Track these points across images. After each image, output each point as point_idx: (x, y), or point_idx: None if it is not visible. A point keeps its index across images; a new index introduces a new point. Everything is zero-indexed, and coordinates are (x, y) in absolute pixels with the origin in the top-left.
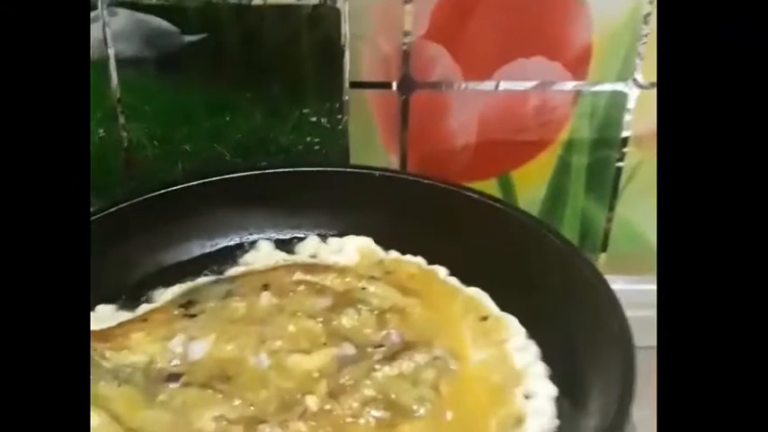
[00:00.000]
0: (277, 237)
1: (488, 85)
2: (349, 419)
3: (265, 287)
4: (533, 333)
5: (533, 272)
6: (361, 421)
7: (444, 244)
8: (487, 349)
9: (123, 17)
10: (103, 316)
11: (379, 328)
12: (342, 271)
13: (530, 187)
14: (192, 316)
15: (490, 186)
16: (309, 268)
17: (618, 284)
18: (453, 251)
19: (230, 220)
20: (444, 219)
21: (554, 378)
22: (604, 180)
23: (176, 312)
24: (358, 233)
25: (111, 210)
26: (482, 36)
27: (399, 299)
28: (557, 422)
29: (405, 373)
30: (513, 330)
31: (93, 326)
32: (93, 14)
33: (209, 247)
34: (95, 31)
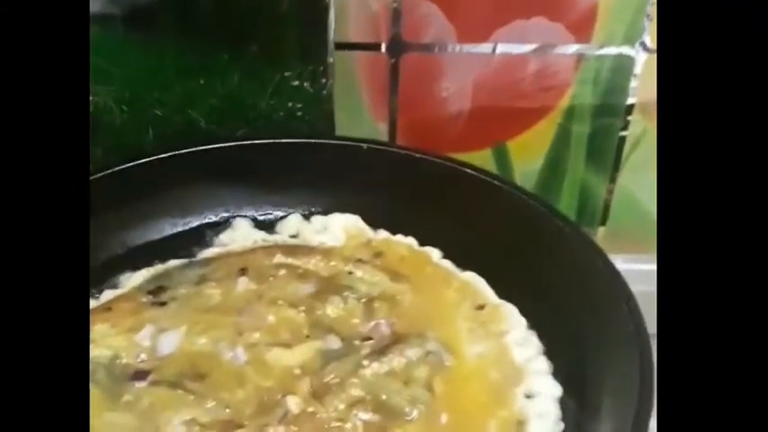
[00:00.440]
0: (255, 215)
1: (484, 48)
2: (334, 423)
3: (242, 271)
4: (535, 324)
5: (535, 257)
6: (348, 425)
7: (438, 223)
8: (485, 342)
9: None
10: None
11: (367, 319)
12: (326, 253)
13: (527, 157)
14: (162, 304)
15: (485, 156)
16: (291, 250)
17: (617, 264)
18: (447, 232)
19: (204, 195)
20: (438, 196)
21: (558, 375)
22: (606, 150)
23: (144, 300)
24: (344, 211)
25: None
26: None
27: (389, 285)
28: (561, 426)
29: (396, 370)
30: (513, 321)
31: None
32: None
33: (181, 225)
34: None
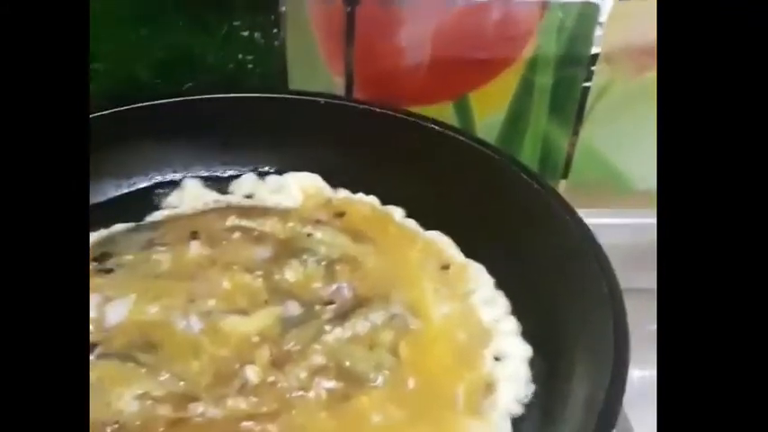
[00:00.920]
0: (206, 174)
1: None
2: (296, 393)
3: (194, 235)
4: (503, 283)
5: (502, 213)
6: (311, 394)
7: (400, 181)
8: (451, 303)
9: None
10: None
11: (327, 282)
12: (283, 214)
13: (488, 110)
14: (108, 271)
15: (445, 110)
16: (245, 212)
17: None
18: (410, 189)
19: (150, 155)
20: (399, 153)
21: (527, 335)
22: (569, 102)
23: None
24: (301, 169)
25: None
26: None
27: (350, 246)
28: (532, 387)
29: (359, 335)
30: (480, 280)
31: None
32: None
33: (126, 187)
34: None
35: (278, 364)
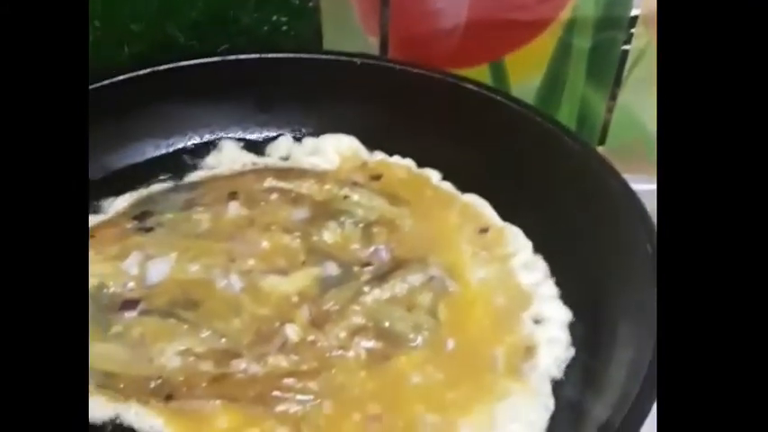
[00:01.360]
0: (243, 136)
1: None
2: (336, 352)
3: (232, 196)
4: (541, 247)
5: (542, 176)
6: (350, 354)
7: (437, 143)
8: (489, 266)
9: None
10: None
11: (365, 244)
12: (320, 176)
13: (524, 74)
14: (148, 230)
15: (480, 73)
16: (282, 173)
17: None
18: (447, 152)
19: (188, 115)
20: (436, 114)
21: (566, 299)
22: (607, 65)
23: (129, 226)
24: (337, 131)
25: None
26: None
27: (387, 209)
28: (572, 351)
29: (398, 296)
30: (518, 244)
31: None
32: None
33: (165, 147)
34: None
35: (317, 323)
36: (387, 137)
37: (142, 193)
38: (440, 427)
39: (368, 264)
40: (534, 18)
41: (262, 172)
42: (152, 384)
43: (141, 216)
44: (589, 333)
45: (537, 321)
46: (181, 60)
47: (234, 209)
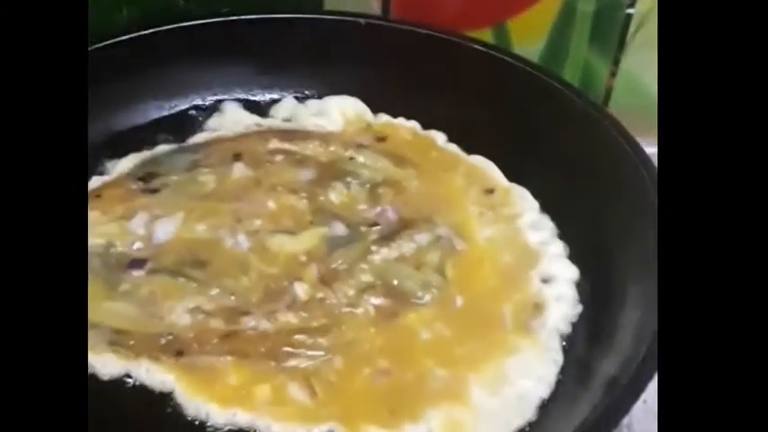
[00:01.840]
0: (246, 97)
1: None
2: (345, 309)
3: (237, 157)
4: (548, 206)
5: (547, 136)
6: (359, 311)
7: (441, 105)
8: (496, 226)
9: None
10: None
11: (372, 205)
12: (325, 138)
13: (527, 38)
14: (154, 191)
15: (482, 37)
16: (287, 135)
17: None
18: (453, 114)
19: (190, 77)
20: (442, 76)
21: (573, 258)
22: (611, 29)
23: (134, 187)
24: (341, 92)
25: None
26: None
27: (393, 170)
28: (579, 308)
29: (406, 255)
30: (525, 204)
31: None
32: None
33: (167, 109)
34: None
35: (326, 281)
36: (391, 99)
37: (146, 154)
38: (450, 382)
39: (375, 224)
40: None
41: (266, 133)
42: (162, 341)
43: (146, 177)
44: (596, 291)
45: (544, 280)
46: (183, 21)
47: (239, 170)
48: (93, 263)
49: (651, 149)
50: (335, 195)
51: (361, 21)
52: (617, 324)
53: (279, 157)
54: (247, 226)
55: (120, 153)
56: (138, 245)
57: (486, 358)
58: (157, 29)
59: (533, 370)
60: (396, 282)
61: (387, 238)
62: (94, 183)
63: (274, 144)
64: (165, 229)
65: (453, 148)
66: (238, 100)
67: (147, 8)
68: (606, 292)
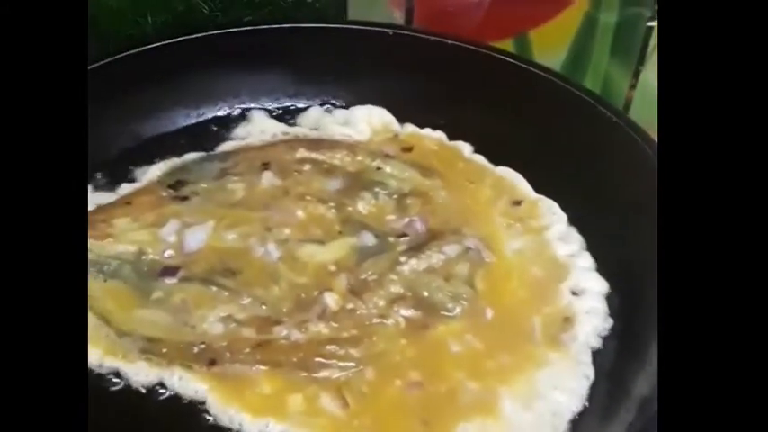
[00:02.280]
0: (273, 106)
1: None
2: (375, 320)
3: (265, 166)
4: (576, 219)
5: (575, 148)
6: (390, 322)
7: (468, 116)
8: (524, 238)
9: None
10: None
11: (400, 215)
12: (352, 147)
13: (549, 49)
14: (184, 199)
15: (504, 47)
16: (314, 144)
17: None
18: (478, 124)
19: (219, 85)
20: (469, 87)
21: (602, 271)
22: (632, 42)
23: (164, 194)
24: (368, 102)
25: None
26: None
27: (420, 181)
28: (610, 322)
29: (434, 266)
30: (553, 216)
31: None
32: None
33: (195, 117)
34: None
35: (356, 292)
36: (417, 109)
37: (175, 162)
38: (481, 395)
39: (403, 234)
40: None
41: (293, 143)
42: (195, 350)
43: (176, 185)
44: (626, 304)
45: (574, 293)
46: (209, 30)
47: (268, 179)
48: (125, 270)
49: None
50: (363, 205)
51: (389, 31)
52: (648, 339)
53: (306, 167)
54: (277, 235)
55: (149, 160)
56: (169, 252)
57: (517, 371)
58: (186, 37)
59: (565, 383)
60: (426, 293)
61: (415, 249)
62: (124, 189)
63: (302, 153)
64: (197, 237)
65: (480, 159)
66: (265, 109)
67: (172, 15)
68: (636, 307)
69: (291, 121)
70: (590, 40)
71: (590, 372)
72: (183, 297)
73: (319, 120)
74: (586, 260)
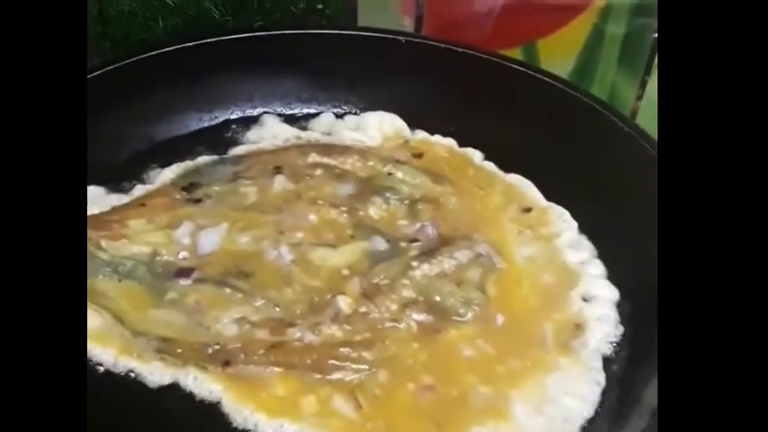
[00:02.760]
0: (285, 111)
1: None
2: (388, 324)
3: (277, 170)
4: (586, 226)
5: (584, 156)
6: (402, 326)
7: (479, 123)
8: (534, 245)
9: None
10: (92, 198)
11: (411, 220)
12: (363, 153)
13: (556, 58)
14: (197, 201)
15: (512, 55)
16: (326, 149)
17: None
18: (489, 132)
19: (232, 89)
20: (480, 94)
21: (612, 279)
22: (639, 53)
23: (178, 196)
24: (379, 108)
25: (91, 75)
26: None
27: (431, 187)
28: (621, 329)
29: (446, 271)
30: (563, 223)
31: None
32: None
33: (208, 120)
34: None
35: (369, 295)
36: (428, 115)
37: (188, 164)
38: (492, 399)
39: (414, 240)
40: (570, 3)
41: (305, 147)
42: (209, 350)
43: (189, 187)
44: (636, 312)
45: (585, 300)
46: (225, 34)
47: (280, 183)
48: (140, 271)
49: None
50: (375, 210)
51: (401, 38)
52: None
53: (318, 171)
54: (290, 238)
55: (162, 162)
56: (183, 254)
57: (528, 376)
58: (201, 41)
59: (576, 389)
60: (437, 298)
61: (427, 254)
62: (138, 191)
63: (314, 158)
64: (210, 240)
65: (490, 165)
66: (278, 113)
67: (183, 19)
68: (646, 314)
69: (303, 126)
70: (598, 50)
71: (601, 378)
72: (198, 298)
73: (331, 125)
74: (597, 267)
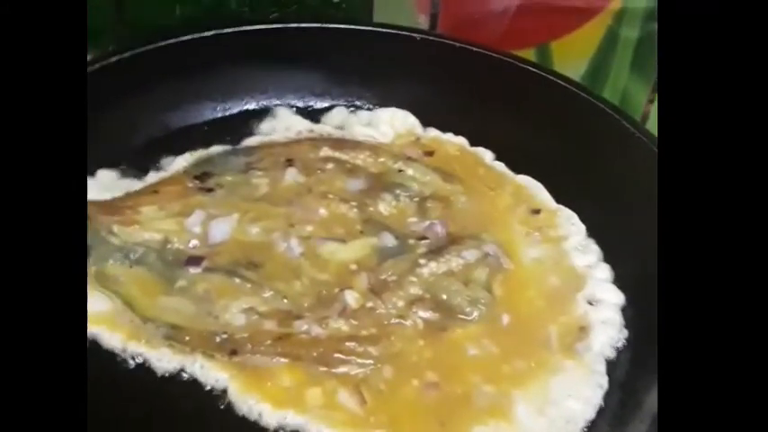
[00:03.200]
0: (299, 104)
1: None
2: (394, 320)
3: (289, 162)
4: (594, 230)
5: (595, 160)
6: (408, 322)
7: (491, 123)
8: (542, 247)
9: None
10: (105, 183)
11: (420, 218)
12: (374, 149)
13: (569, 60)
14: (209, 190)
15: (526, 56)
16: (338, 144)
17: None
18: (501, 132)
19: (246, 80)
20: (493, 94)
21: (618, 283)
22: (653, 57)
23: (190, 185)
24: (392, 105)
25: (108, 61)
26: None
27: (441, 185)
28: (625, 333)
29: (453, 270)
30: (572, 226)
31: (94, 194)
32: None
33: (222, 110)
34: None
35: (376, 291)
36: (441, 114)
37: (201, 153)
38: (496, 398)
39: (423, 237)
40: (585, 5)
41: (317, 141)
42: (217, 339)
43: (202, 176)
44: (641, 317)
45: (591, 303)
46: (233, 26)
47: (291, 175)
48: (150, 257)
49: None
50: (385, 206)
51: (417, 36)
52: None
53: (330, 165)
54: (299, 231)
55: (176, 150)
56: (194, 242)
57: (532, 377)
58: (217, 31)
59: (579, 391)
60: (444, 296)
61: (435, 252)
62: (151, 177)
63: (325, 152)
64: (221, 229)
65: (500, 166)
66: (291, 105)
67: (200, 8)
68: (651, 319)
69: (316, 120)
70: (611, 53)
71: (604, 381)
72: (207, 287)
73: (344, 119)
74: (604, 271)
